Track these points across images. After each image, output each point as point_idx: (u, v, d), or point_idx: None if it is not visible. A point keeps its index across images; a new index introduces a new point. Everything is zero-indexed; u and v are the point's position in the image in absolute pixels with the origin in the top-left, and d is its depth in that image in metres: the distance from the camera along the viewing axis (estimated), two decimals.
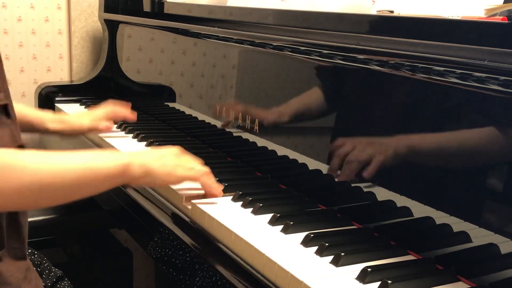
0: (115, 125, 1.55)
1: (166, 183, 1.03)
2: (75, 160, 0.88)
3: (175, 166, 0.99)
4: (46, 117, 1.29)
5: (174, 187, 1.10)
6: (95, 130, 1.41)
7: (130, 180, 0.94)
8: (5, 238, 0.88)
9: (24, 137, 0.96)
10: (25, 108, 1.27)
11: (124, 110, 1.47)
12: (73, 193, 0.88)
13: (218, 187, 1.05)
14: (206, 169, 1.04)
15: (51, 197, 0.85)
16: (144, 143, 1.42)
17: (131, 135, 1.48)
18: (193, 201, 1.03)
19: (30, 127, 1.28)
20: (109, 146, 1.41)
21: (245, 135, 1.27)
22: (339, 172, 1.02)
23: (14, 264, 0.89)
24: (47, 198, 0.85)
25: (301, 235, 0.89)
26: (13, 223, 0.90)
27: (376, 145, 0.96)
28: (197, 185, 1.06)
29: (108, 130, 1.43)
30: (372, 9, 1.10)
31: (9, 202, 0.80)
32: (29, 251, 1.15)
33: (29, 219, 1.49)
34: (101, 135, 1.46)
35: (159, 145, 1.37)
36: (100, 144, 1.47)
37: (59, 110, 1.82)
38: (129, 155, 0.95)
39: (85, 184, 0.88)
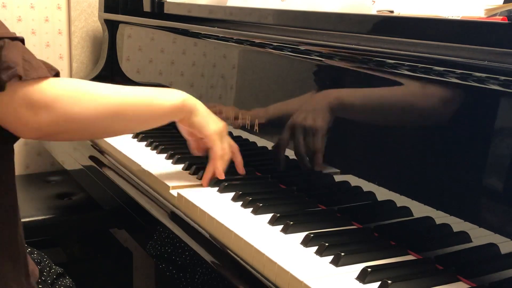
0: None
1: (202, 129, 1.09)
2: (142, 91, 1.01)
3: (219, 128, 1.10)
4: None
5: (174, 187, 1.10)
6: None
7: (186, 114, 1.06)
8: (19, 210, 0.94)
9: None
10: None
11: None
12: (141, 121, 1.01)
13: (221, 175, 1.11)
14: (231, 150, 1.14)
15: (125, 124, 0.98)
16: (144, 143, 1.42)
17: (131, 135, 1.48)
18: (193, 201, 1.03)
19: None
20: (108, 145, 1.41)
21: (245, 135, 1.27)
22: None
23: (21, 233, 0.94)
24: (120, 124, 0.97)
25: (301, 235, 0.89)
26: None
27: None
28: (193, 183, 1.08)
29: None
30: (372, 9, 1.10)
31: (88, 126, 0.90)
32: (29, 249, 1.15)
33: (29, 219, 1.50)
34: None
35: (159, 145, 1.37)
36: (99, 143, 1.47)
37: None
38: (185, 93, 1.07)
39: (153, 113, 1.01)
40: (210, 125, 1.09)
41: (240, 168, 1.16)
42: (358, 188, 0.98)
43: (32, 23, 1.99)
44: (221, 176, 1.10)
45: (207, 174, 1.11)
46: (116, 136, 1.22)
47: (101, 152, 1.44)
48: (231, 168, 1.24)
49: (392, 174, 0.95)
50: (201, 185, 1.11)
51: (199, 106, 1.08)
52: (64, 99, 0.86)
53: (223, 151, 1.10)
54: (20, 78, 0.81)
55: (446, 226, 0.84)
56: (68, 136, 0.95)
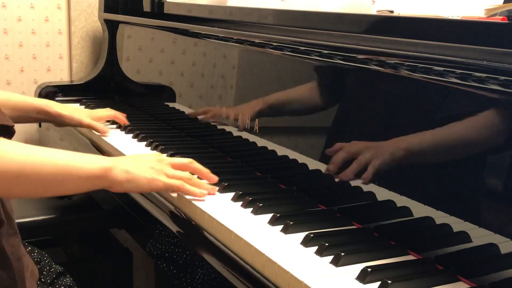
0: (115, 125, 1.56)
1: (148, 190, 1.03)
2: (58, 155, 0.88)
3: (157, 173, 0.99)
4: (50, 102, 1.37)
5: None
6: (91, 128, 1.44)
7: (111, 184, 0.94)
8: (2, 213, 0.89)
9: (24, 136, 0.97)
10: (26, 97, 1.34)
11: (123, 119, 1.53)
12: (51, 188, 0.89)
13: (199, 192, 1.03)
14: (186, 175, 1.03)
15: (27, 187, 0.85)
16: (144, 143, 1.42)
17: (131, 135, 1.48)
18: (193, 201, 1.03)
19: (34, 112, 1.33)
20: (109, 146, 1.41)
21: (245, 135, 1.27)
22: (336, 173, 1.02)
23: (10, 240, 0.90)
24: (23, 188, 0.85)
25: (301, 235, 0.89)
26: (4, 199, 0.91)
27: (375, 146, 0.96)
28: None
29: (104, 133, 1.45)
30: (372, 9, 1.10)
31: None
32: (29, 249, 1.16)
33: (29, 219, 1.50)
34: (100, 134, 1.47)
35: (159, 145, 1.37)
36: (99, 144, 1.47)
37: None
38: (112, 159, 0.96)
39: (65, 180, 0.88)
40: (142, 184, 0.97)
41: (209, 177, 1.07)
42: (358, 188, 0.98)
43: (32, 23, 1.99)
44: (204, 193, 1.03)
45: (195, 196, 1.04)
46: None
47: (102, 152, 1.44)
48: (231, 168, 1.24)
49: (392, 174, 0.95)
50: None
51: (125, 169, 0.95)
52: None
53: (179, 182, 1.01)
54: None
55: (446, 226, 0.84)
56: None
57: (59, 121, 1.39)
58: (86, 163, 0.91)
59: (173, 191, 1.05)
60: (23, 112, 1.31)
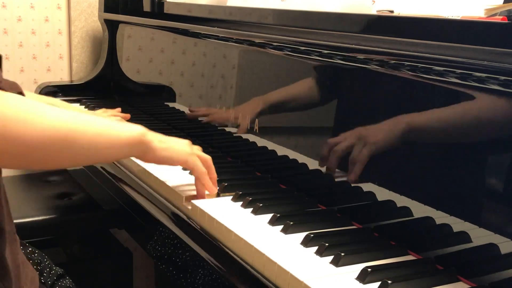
0: None
1: (182, 162, 1.03)
2: (98, 120, 0.88)
3: (189, 150, 1.03)
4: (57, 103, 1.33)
5: (174, 187, 1.10)
6: None
7: (147, 149, 0.95)
8: (5, 220, 0.88)
9: None
10: (35, 96, 1.30)
11: (122, 114, 1.51)
12: (93, 153, 0.86)
13: (206, 188, 1.05)
14: (203, 169, 1.04)
15: (72, 152, 0.82)
16: None
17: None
18: (193, 201, 1.03)
19: None
20: None
21: (245, 135, 1.27)
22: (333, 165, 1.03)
23: (10, 248, 0.89)
24: (68, 153, 0.81)
25: (301, 235, 0.89)
26: (6, 204, 0.89)
27: (372, 139, 0.96)
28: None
29: None
30: (372, 9, 1.10)
31: (31, 151, 0.75)
32: (29, 249, 1.16)
33: (29, 219, 1.50)
34: None
35: None
36: None
37: None
38: (144, 128, 0.96)
39: (106, 144, 0.87)
40: (180, 154, 1.01)
41: (211, 188, 1.06)
42: (358, 188, 0.98)
43: (32, 23, 1.99)
44: (214, 190, 1.06)
45: (200, 192, 1.05)
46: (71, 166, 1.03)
47: None
48: (231, 168, 1.24)
49: (392, 174, 0.95)
50: None
51: (161, 138, 0.99)
52: (6, 117, 0.72)
53: (202, 169, 1.03)
54: None
55: (446, 226, 0.84)
56: (8, 160, 0.77)
57: None
58: (124, 129, 0.91)
59: (195, 174, 1.04)
60: None
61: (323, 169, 1.06)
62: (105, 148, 0.87)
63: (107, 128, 0.87)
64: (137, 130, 0.93)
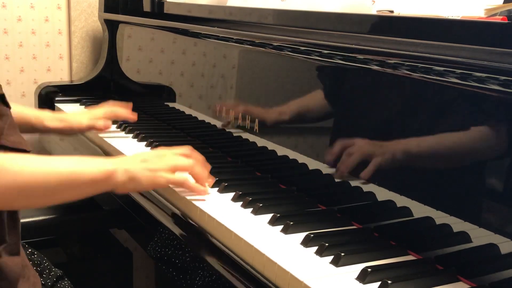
0: (115, 125, 1.55)
1: (151, 188, 1.04)
2: (59, 164, 0.89)
3: (159, 170, 0.99)
4: (45, 116, 1.31)
5: (174, 187, 1.10)
6: (93, 128, 1.42)
7: (115, 186, 0.95)
8: (6, 233, 0.89)
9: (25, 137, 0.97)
10: (23, 108, 1.29)
11: (124, 111, 1.48)
12: (55, 197, 0.90)
13: (202, 189, 1.04)
14: (189, 164, 1.03)
15: (32, 199, 0.86)
16: (144, 143, 1.42)
17: (131, 135, 1.48)
18: (193, 201, 1.03)
19: (30, 127, 1.28)
20: (109, 146, 1.41)
21: (245, 135, 1.27)
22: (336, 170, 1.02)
23: (11, 260, 0.89)
24: (28, 199, 0.86)
25: (301, 235, 0.89)
26: (11, 219, 0.90)
27: (375, 146, 0.96)
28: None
29: (106, 128, 1.44)
30: (372, 9, 1.10)
31: None
32: (29, 250, 1.15)
33: (29, 219, 1.50)
34: (101, 135, 1.46)
35: (159, 145, 1.37)
36: (100, 144, 1.47)
37: (59, 110, 1.82)
38: (113, 161, 0.96)
39: (69, 188, 0.89)
40: (155, 181, 0.99)
41: (198, 189, 1.05)
42: (358, 188, 0.98)
43: (32, 23, 1.99)
44: (201, 188, 1.04)
45: (196, 191, 1.05)
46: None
47: (102, 151, 1.44)
48: (231, 168, 1.24)
49: (392, 174, 0.95)
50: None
51: (132, 169, 0.96)
52: None
53: (179, 178, 1.02)
54: None
55: (446, 226, 0.84)
56: None
57: (60, 134, 1.38)
58: (89, 169, 0.91)
59: (178, 186, 1.04)
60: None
61: (326, 170, 1.06)
62: (68, 190, 0.90)
63: (69, 170, 0.89)
64: (104, 169, 0.93)
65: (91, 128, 1.41)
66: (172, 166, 1.01)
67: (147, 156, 1.02)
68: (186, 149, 1.06)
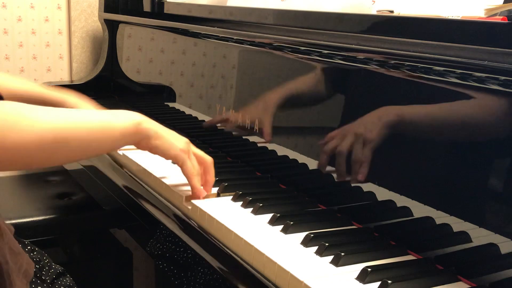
0: None
1: (171, 156, 1.02)
2: (90, 115, 0.89)
3: (185, 149, 1.01)
4: (68, 99, 1.25)
5: (174, 187, 1.10)
6: None
7: (142, 138, 0.96)
8: None
9: None
10: (43, 89, 1.23)
11: None
12: (88, 149, 0.89)
13: (201, 192, 1.04)
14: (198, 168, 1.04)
15: (67, 152, 0.85)
16: None
17: None
18: (193, 201, 1.03)
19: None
20: None
21: (245, 135, 1.27)
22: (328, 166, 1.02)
23: None
24: (64, 153, 0.84)
25: (301, 235, 0.89)
26: None
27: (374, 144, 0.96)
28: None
29: None
30: (372, 9, 1.11)
31: (27, 155, 0.78)
32: (28, 247, 1.15)
33: (29, 219, 1.50)
34: None
35: None
36: None
37: None
38: (141, 116, 0.97)
39: (100, 139, 0.89)
40: (172, 147, 1.00)
41: (208, 188, 1.06)
42: (358, 188, 0.98)
43: (32, 23, 1.99)
44: (202, 194, 1.04)
45: (194, 191, 1.04)
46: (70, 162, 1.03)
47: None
48: (231, 168, 1.24)
49: (392, 174, 0.95)
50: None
51: (157, 128, 0.99)
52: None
53: (194, 169, 1.03)
54: None
55: (446, 226, 0.84)
56: (4, 165, 0.80)
57: None
58: (119, 120, 0.92)
59: (184, 173, 1.04)
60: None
61: (326, 170, 1.06)
62: (99, 142, 0.89)
63: (100, 122, 0.89)
64: (132, 120, 0.94)
65: None
66: (194, 152, 1.04)
67: (177, 134, 1.04)
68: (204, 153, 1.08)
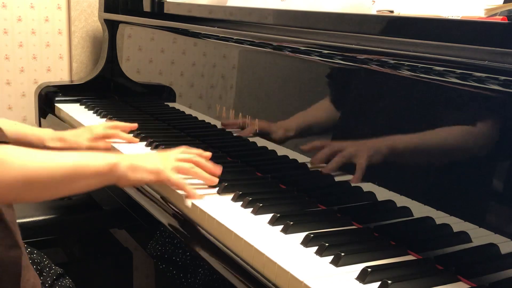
0: None
1: (154, 181, 1.05)
2: (64, 157, 0.92)
3: (161, 166, 1.03)
4: (45, 136, 1.31)
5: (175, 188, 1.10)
6: (93, 149, 1.37)
7: (118, 177, 0.98)
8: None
9: None
10: (23, 126, 1.29)
11: (125, 125, 1.45)
12: (60, 189, 0.93)
13: (195, 195, 1.05)
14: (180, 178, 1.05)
15: (38, 192, 0.89)
16: (144, 143, 1.42)
17: (131, 135, 1.48)
18: (193, 201, 1.03)
19: (30, 146, 1.27)
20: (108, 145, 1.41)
21: (245, 135, 1.27)
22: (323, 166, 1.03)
23: (11, 253, 0.91)
24: (34, 193, 0.89)
25: (301, 235, 0.89)
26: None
27: (374, 145, 0.96)
28: (197, 183, 1.06)
29: (107, 149, 1.39)
30: (372, 9, 1.11)
31: (12, 192, 0.84)
32: (28, 249, 1.15)
33: (29, 219, 1.50)
34: None
35: (159, 145, 1.36)
36: None
37: (59, 110, 1.82)
38: (116, 155, 1.00)
39: (74, 180, 0.92)
40: (148, 175, 1.02)
41: (211, 180, 1.09)
42: (358, 188, 0.98)
43: (32, 23, 1.99)
44: (196, 197, 1.05)
45: (190, 194, 1.06)
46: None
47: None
48: (231, 168, 1.24)
49: (392, 174, 0.95)
50: (203, 184, 1.11)
51: (132, 161, 1.00)
52: None
53: (179, 180, 1.05)
54: None
55: (446, 226, 0.84)
56: None
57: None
58: (93, 161, 0.95)
59: (175, 186, 1.06)
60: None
61: (326, 170, 1.06)
62: (73, 182, 0.93)
63: (75, 165, 0.92)
64: (108, 161, 0.96)
65: (90, 148, 1.35)
66: (175, 167, 1.05)
67: (152, 154, 1.06)
68: (183, 149, 1.10)
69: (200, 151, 1.12)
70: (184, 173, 1.07)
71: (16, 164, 0.84)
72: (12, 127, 1.26)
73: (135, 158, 1.02)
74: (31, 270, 0.97)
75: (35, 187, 0.87)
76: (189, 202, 1.04)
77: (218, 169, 1.10)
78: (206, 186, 1.10)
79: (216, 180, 1.09)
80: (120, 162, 0.98)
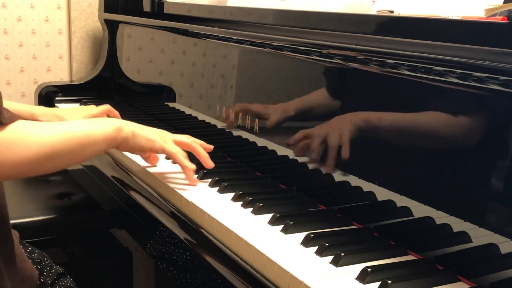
0: None
1: (148, 148, 1.10)
2: (75, 127, 0.96)
3: (158, 137, 1.10)
4: (39, 111, 1.32)
5: (174, 187, 1.10)
6: None
7: (120, 141, 1.04)
8: None
9: None
10: (17, 104, 1.30)
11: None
12: (75, 157, 0.98)
13: (190, 166, 1.11)
14: (182, 151, 1.11)
15: (56, 162, 0.94)
16: None
17: None
18: (193, 201, 1.03)
19: None
20: None
21: (245, 135, 1.27)
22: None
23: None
24: (53, 163, 0.93)
25: (301, 235, 0.89)
26: None
27: (376, 146, 0.96)
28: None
29: None
30: (372, 9, 1.11)
31: (20, 170, 0.88)
32: (29, 249, 1.15)
33: (29, 219, 1.50)
34: None
35: None
36: None
37: None
38: (119, 120, 1.06)
39: (85, 147, 0.97)
40: (146, 142, 1.08)
41: (207, 163, 1.14)
42: (358, 188, 0.98)
43: (32, 23, 1.99)
44: (191, 166, 1.10)
45: (187, 175, 1.11)
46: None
47: None
48: (231, 168, 1.24)
49: (392, 174, 0.95)
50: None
51: (133, 128, 1.07)
52: (1, 148, 0.85)
53: (175, 149, 1.10)
54: None
55: (446, 226, 0.84)
56: (13, 177, 0.93)
57: None
58: (100, 126, 1.00)
59: (170, 157, 1.14)
60: None
61: (326, 170, 1.06)
62: (86, 149, 0.97)
63: (84, 132, 0.97)
64: (113, 125, 1.02)
65: None
66: (174, 139, 1.12)
67: (152, 128, 1.12)
68: (185, 135, 1.17)
69: (203, 142, 1.17)
70: (182, 146, 1.12)
71: (36, 139, 0.88)
72: (6, 104, 1.27)
73: (136, 125, 1.08)
74: (28, 263, 0.98)
75: (54, 159, 0.91)
76: (188, 202, 1.04)
77: (211, 163, 1.14)
78: (196, 184, 1.10)
79: (212, 164, 1.13)
80: (123, 126, 1.04)
